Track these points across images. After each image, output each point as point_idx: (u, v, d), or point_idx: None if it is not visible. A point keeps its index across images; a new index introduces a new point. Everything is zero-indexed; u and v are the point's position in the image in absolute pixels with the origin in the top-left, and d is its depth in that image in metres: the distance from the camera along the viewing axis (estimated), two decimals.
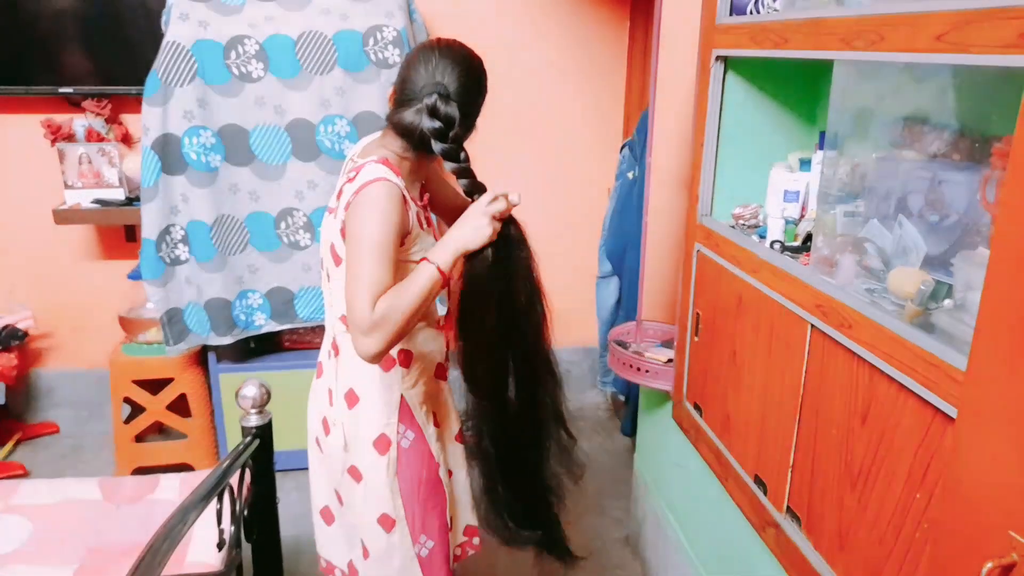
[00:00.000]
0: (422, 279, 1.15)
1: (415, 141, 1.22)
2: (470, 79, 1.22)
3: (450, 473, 1.45)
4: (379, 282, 1.12)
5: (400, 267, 1.21)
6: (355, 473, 1.35)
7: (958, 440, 0.82)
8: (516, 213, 1.28)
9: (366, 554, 1.39)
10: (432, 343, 1.36)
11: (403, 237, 1.22)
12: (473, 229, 1.19)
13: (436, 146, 1.19)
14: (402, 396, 1.32)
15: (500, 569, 2.11)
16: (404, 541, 1.36)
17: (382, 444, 1.32)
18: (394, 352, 1.30)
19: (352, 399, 1.32)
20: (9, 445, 2.69)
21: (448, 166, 1.22)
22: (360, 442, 1.32)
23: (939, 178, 1.02)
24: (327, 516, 1.48)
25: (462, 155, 1.21)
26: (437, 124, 1.18)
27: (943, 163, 1.02)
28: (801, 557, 1.18)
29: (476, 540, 1.54)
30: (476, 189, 1.24)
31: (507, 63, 2.74)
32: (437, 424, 1.40)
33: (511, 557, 2.16)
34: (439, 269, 1.16)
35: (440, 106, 1.18)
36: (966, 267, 0.93)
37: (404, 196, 1.21)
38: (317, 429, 1.41)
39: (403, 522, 1.35)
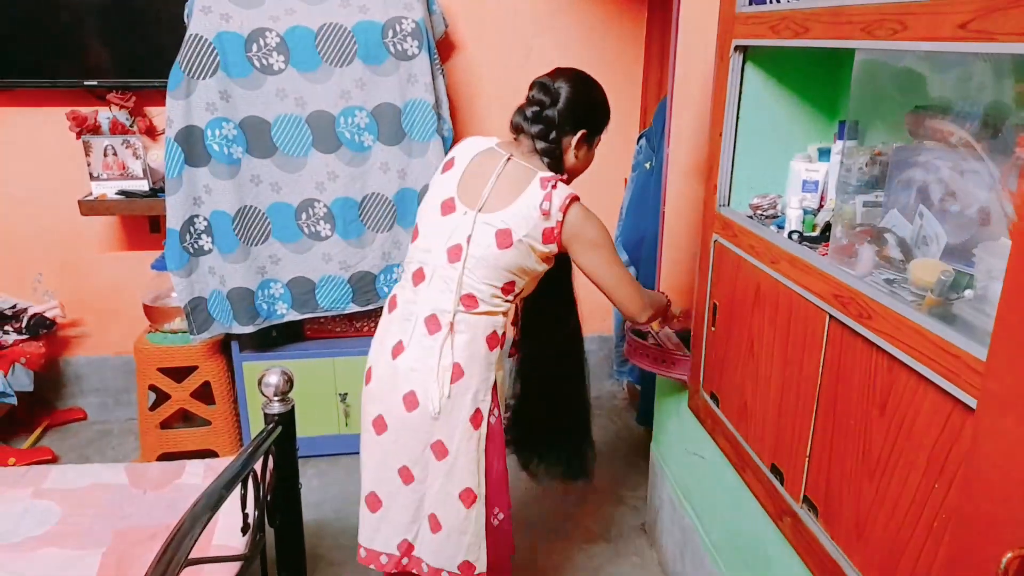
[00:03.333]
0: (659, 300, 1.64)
1: (515, 131, 1.49)
2: (582, 88, 1.46)
3: None
4: (624, 269, 1.50)
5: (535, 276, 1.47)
6: (440, 447, 1.42)
7: (978, 430, 0.82)
8: None
9: (436, 528, 1.45)
10: (509, 332, 1.52)
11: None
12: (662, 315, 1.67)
13: (532, 127, 1.44)
14: (496, 375, 1.45)
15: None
16: (480, 516, 1.45)
17: (476, 419, 1.41)
18: (500, 332, 1.45)
19: (457, 374, 1.40)
20: (38, 432, 2.75)
21: (539, 145, 1.44)
22: (456, 416, 1.40)
23: (961, 168, 1.01)
24: (373, 503, 1.51)
25: (552, 135, 1.44)
26: (533, 109, 1.44)
27: (965, 153, 1.01)
28: (818, 546, 1.18)
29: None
30: (555, 169, 1.46)
31: (524, 53, 2.74)
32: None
33: (527, 541, 2.19)
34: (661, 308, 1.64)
35: (534, 94, 1.45)
36: (988, 257, 0.93)
37: None
38: (392, 407, 1.44)
39: (482, 498, 1.44)
